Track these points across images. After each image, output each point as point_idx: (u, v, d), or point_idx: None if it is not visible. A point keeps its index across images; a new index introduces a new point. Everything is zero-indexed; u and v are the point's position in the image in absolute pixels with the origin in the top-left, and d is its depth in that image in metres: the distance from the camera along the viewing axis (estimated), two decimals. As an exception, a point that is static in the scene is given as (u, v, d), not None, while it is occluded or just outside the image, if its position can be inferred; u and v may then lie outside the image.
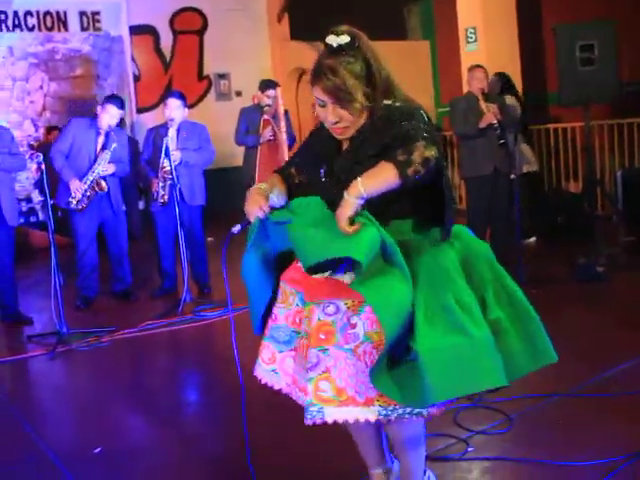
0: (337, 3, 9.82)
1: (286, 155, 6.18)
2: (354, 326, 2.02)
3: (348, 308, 2.03)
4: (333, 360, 2.02)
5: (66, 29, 9.63)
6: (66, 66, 9.67)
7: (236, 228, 2.18)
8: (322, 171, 2.16)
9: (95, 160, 5.55)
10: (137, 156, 6.69)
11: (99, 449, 3.11)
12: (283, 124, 6.42)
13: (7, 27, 9.22)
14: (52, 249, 4.80)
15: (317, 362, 2.03)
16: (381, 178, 1.91)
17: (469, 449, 2.83)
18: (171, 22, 10.72)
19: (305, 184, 2.24)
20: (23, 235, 8.02)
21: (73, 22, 9.68)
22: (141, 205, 9.76)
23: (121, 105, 5.69)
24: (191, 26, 10.84)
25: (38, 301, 5.87)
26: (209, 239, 6.33)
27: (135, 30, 10.25)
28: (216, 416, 3.53)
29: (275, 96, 6.50)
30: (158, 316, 5.21)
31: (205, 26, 10.85)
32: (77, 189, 5.49)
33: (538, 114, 8.54)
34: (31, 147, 8.98)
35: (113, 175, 5.66)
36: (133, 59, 10.30)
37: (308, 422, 2.04)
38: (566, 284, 5.38)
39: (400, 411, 2.03)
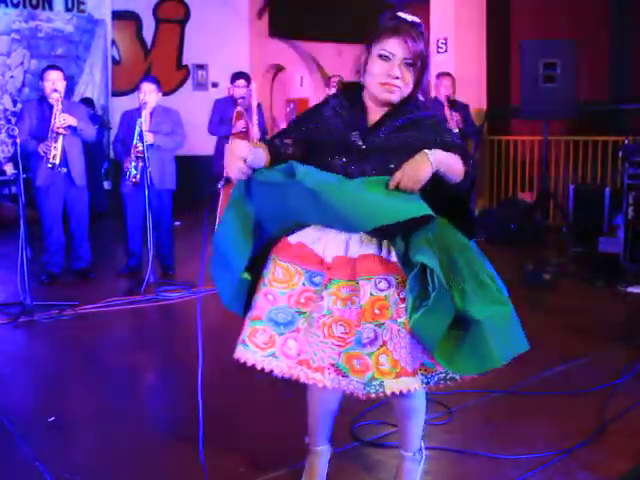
0: (318, 5, 10.00)
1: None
2: (403, 300, 2.07)
3: (398, 283, 2.08)
4: (389, 334, 2.07)
5: (51, 8, 9.71)
6: (48, 45, 9.74)
7: (221, 184, 2.13)
8: (346, 144, 2.11)
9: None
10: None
11: (53, 418, 3.16)
12: (255, 117, 6.59)
13: (-8, 2, 9.29)
14: (21, 223, 4.84)
15: (375, 337, 2.07)
16: (452, 161, 2.00)
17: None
18: (154, 10, 10.91)
19: (299, 156, 2.14)
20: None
21: (58, 2, 9.75)
22: (107, 185, 9.91)
23: (58, 68, 5.65)
24: (174, 15, 11.04)
25: (5, 273, 5.89)
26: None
27: (118, 15, 10.37)
28: (171, 388, 3.64)
29: (249, 89, 6.68)
30: (121, 294, 5.33)
31: (187, 17, 11.06)
32: (45, 148, 5.50)
33: (499, 125, 8.84)
34: (9, 121, 9.05)
35: (75, 133, 5.62)
36: (114, 43, 10.42)
37: (372, 396, 2.08)
38: (513, 288, 5.56)
39: (436, 378, 2.12)
